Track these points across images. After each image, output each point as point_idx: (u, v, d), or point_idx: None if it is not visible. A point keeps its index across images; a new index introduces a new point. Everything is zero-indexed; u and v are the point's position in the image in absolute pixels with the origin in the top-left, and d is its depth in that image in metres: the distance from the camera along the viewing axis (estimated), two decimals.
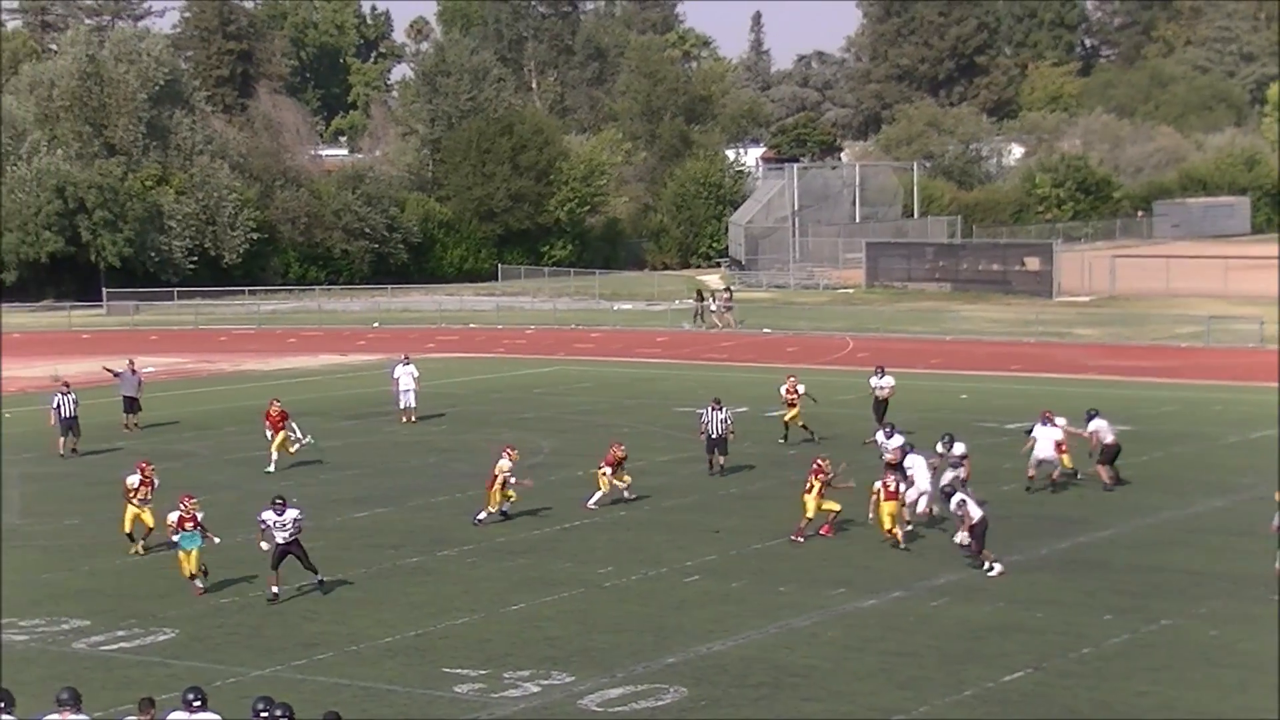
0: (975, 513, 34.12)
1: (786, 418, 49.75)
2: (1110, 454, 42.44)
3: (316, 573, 33.06)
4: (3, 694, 21.10)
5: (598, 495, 40.99)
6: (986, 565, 34.10)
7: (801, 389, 49.92)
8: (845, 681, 27.29)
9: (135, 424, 54.47)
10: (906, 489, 37.39)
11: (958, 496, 34.81)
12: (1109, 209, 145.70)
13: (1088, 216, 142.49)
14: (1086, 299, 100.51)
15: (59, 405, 50.23)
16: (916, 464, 38.08)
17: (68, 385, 51.55)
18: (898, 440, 40.29)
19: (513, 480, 39.38)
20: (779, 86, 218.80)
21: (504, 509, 39.60)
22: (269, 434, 47.51)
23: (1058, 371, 69.27)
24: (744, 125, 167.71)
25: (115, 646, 29.49)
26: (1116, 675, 27.63)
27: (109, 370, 57.29)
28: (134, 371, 55.51)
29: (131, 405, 54.74)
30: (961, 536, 34.37)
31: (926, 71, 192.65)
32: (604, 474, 41.03)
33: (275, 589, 32.58)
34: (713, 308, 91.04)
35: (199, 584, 33.28)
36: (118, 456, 48.52)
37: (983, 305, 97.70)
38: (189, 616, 31.35)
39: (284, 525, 32.64)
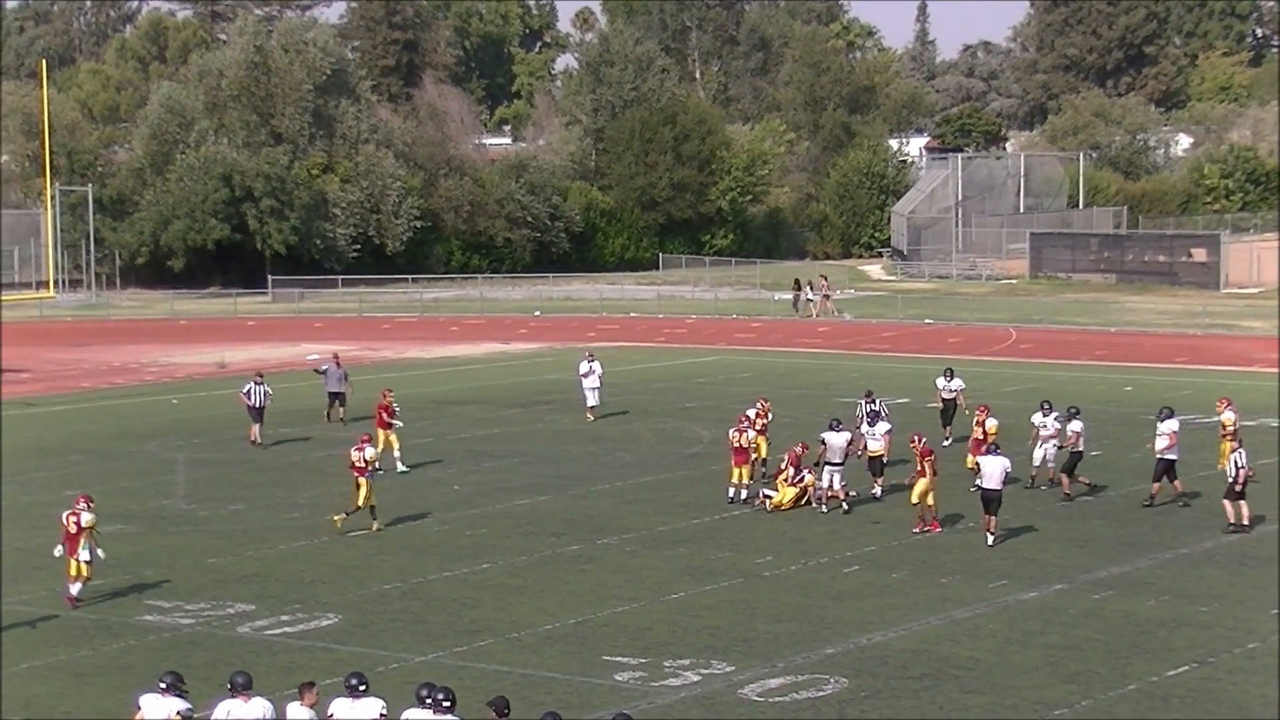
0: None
1: (763, 453, 42.99)
2: (1074, 462, 40.94)
3: None
4: (174, 675, 21.39)
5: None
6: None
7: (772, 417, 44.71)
8: (1008, 674, 27.04)
9: (341, 417, 52.83)
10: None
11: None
12: (1279, 200, 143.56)
13: (1256, 208, 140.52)
14: (1255, 291, 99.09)
15: (249, 392, 49.63)
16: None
17: (261, 375, 50.82)
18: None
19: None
20: (944, 77, 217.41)
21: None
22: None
23: (1225, 364, 68.33)
24: (907, 115, 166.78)
25: (279, 631, 29.75)
26: None
27: (316, 371, 55.80)
28: (339, 365, 54.09)
29: (336, 398, 53.37)
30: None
31: (1094, 61, 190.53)
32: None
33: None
34: (809, 297, 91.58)
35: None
36: (293, 445, 48.98)
37: (1148, 297, 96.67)
38: (352, 602, 31.58)
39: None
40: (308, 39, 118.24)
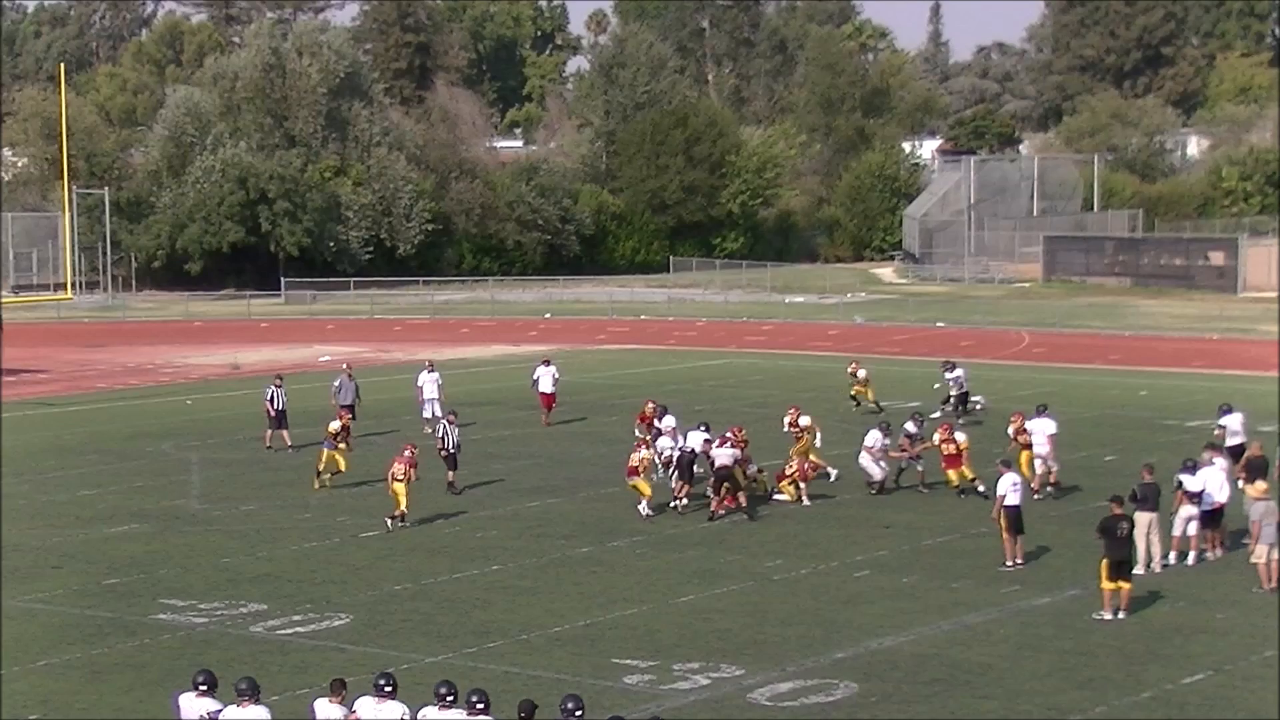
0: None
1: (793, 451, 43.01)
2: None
3: None
4: (206, 675, 21.33)
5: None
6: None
7: (805, 421, 44.13)
8: (1021, 680, 26.93)
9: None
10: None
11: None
12: None
13: (1275, 211, 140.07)
14: (1272, 294, 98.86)
15: (272, 398, 48.97)
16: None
17: (280, 378, 50.23)
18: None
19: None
20: (957, 78, 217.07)
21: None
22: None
23: (1241, 368, 68.16)
24: (921, 117, 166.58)
25: (291, 631, 29.73)
26: None
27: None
28: (350, 377, 52.57)
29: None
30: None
31: (1111, 62, 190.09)
32: None
33: None
34: None
35: None
36: (309, 448, 48.86)
37: (1164, 300, 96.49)
38: (364, 603, 31.56)
39: None
40: (321, 41, 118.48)
